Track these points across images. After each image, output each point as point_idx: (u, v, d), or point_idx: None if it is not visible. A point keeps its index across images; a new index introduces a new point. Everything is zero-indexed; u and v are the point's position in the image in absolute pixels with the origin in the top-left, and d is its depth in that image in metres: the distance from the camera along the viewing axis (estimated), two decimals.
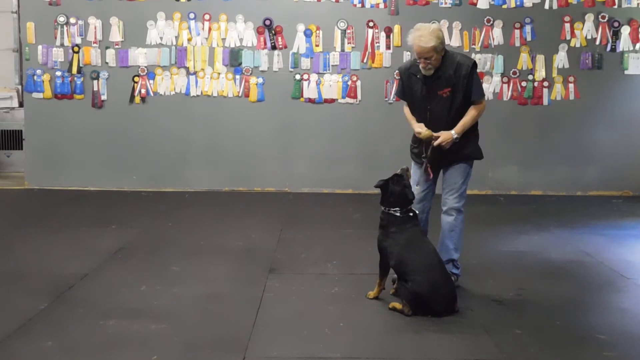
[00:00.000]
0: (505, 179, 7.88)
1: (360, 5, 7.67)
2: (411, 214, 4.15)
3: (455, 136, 4.22)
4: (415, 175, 4.46)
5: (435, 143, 4.22)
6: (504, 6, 7.67)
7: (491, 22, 7.67)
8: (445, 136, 4.22)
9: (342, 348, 3.50)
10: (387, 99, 7.73)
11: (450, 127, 4.26)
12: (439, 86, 4.24)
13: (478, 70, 4.35)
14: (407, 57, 7.57)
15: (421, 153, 4.40)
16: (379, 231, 4.20)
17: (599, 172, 7.86)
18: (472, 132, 4.39)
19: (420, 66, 4.23)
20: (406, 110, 4.53)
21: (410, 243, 4.07)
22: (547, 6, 7.66)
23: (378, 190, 4.21)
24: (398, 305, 4.01)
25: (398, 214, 4.11)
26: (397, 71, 4.42)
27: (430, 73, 4.22)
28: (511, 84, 7.75)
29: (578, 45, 7.71)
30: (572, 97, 7.78)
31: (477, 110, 4.28)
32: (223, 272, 4.73)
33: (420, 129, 4.32)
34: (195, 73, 7.74)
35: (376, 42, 7.69)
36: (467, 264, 4.81)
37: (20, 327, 3.70)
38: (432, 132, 4.28)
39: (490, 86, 7.71)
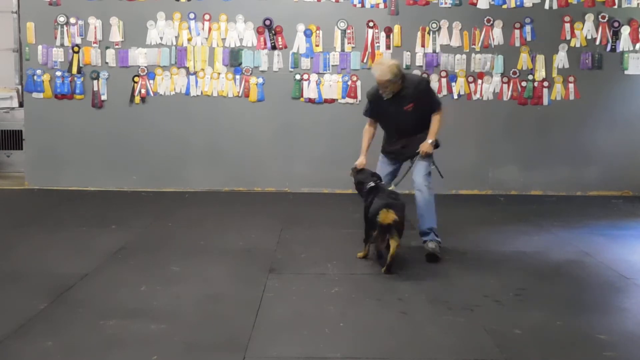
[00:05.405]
0: (505, 179, 7.88)
1: (360, 5, 7.66)
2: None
3: (431, 141, 5.14)
4: (383, 169, 5.30)
5: (422, 153, 5.13)
6: (504, 6, 7.66)
7: (491, 22, 7.67)
8: (424, 147, 5.12)
9: (342, 348, 3.49)
10: None
11: (415, 133, 5.19)
12: (403, 103, 5.12)
13: (478, 70, 5.02)
14: (407, 57, 7.64)
15: (400, 154, 5.30)
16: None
17: (599, 172, 7.86)
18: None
19: (380, 91, 5.14)
20: (365, 129, 5.39)
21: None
22: (547, 6, 7.66)
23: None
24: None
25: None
26: (366, 95, 5.48)
27: (389, 97, 5.12)
28: (511, 84, 7.75)
29: (578, 45, 7.71)
30: (572, 97, 7.78)
31: (439, 115, 5.19)
32: (223, 272, 4.73)
33: (359, 163, 5.28)
34: (195, 73, 7.74)
35: (376, 42, 7.69)
36: (467, 264, 4.82)
37: (20, 327, 3.69)
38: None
39: (490, 86, 7.71)
